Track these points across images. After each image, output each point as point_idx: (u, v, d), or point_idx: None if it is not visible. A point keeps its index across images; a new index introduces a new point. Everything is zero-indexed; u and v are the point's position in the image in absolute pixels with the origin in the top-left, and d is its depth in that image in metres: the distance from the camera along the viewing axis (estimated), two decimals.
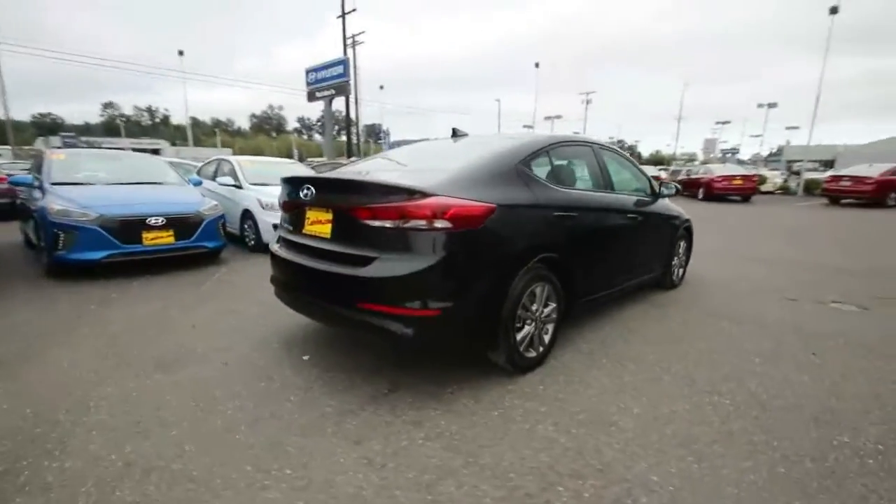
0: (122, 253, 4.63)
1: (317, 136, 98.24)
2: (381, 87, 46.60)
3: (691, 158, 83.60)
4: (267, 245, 6.26)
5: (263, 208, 6.33)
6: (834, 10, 17.66)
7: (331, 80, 24.50)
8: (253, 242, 6.54)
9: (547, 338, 2.79)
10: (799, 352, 3.05)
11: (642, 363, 2.84)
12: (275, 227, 6.19)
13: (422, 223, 2.13)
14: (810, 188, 19.66)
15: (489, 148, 2.77)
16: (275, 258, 2.87)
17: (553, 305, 2.78)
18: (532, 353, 2.67)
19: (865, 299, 4.27)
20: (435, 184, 2.22)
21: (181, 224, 5.04)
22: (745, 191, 16.80)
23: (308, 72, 25.29)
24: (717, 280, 5.03)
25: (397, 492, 1.69)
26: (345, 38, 27.73)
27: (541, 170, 2.82)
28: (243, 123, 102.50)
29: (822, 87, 19.83)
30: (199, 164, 9.12)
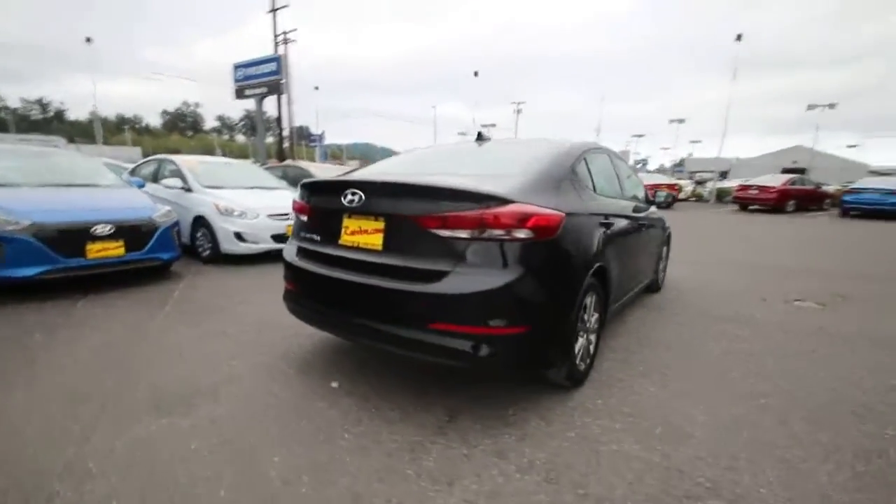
0: (62, 268, 3.87)
1: (240, 137, 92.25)
2: (317, 89, 44.75)
3: None
4: (225, 255, 5.76)
5: (222, 214, 5.69)
6: (739, 38, 20.02)
7: (262, 78, 23.22)
8: (208, 252, 5.85)
9: (591, 348, 2.72)
10: (799, 348, 3.27)
11: (677, 369, 2.87)
12: (237, 235, 5.64)
13: (501, 232, 1.95)
14: (721, 196, 22.02)
15: (538, 152, 2.66)
16: (297, 272, 2.52)
17: (596, 315, 2.72)
18: (582, 366, 2.59)
19: (819, 297, 4.74)
20: (509, 189, 2.05)
21: (132, 233, 4.34)
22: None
23: (237, 67, 23.72)
24: (686, 283, 5.33)
25: None
26: (275, 35, 26.31)
27: (582, 177, 2.75)
28: (153, 120, 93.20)
29: (720, 105, 22.31)
30: (130, 166, 8.05)
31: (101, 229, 4.06)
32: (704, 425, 2.22)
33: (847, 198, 15.45)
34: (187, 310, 3.84)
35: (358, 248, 2.27)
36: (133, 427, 2.06)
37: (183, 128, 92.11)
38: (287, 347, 3.03)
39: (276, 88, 23.49)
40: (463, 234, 1.97)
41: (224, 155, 47.83)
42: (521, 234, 1.96)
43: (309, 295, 2.53)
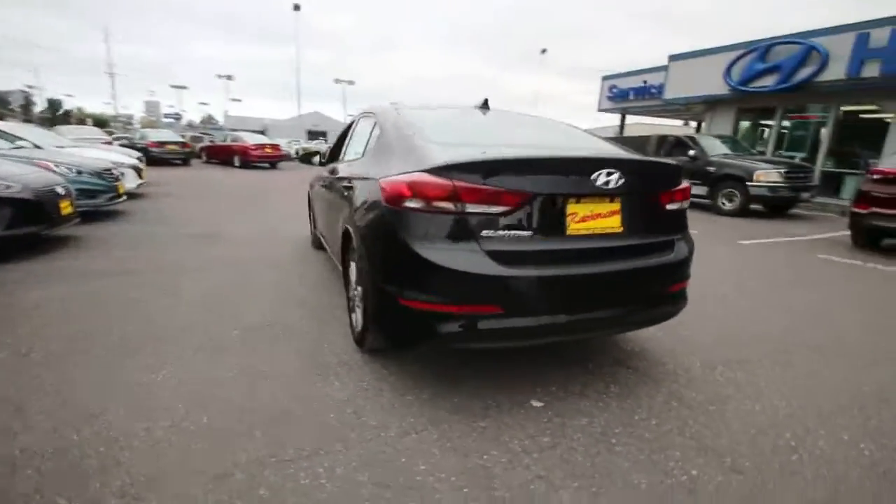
0: None
1: None
2: None
3: (129, 122, 76.04)
4: None
5: None
6: (297, 7, 21.77)
7: None
8: None
9: None
10: None
11: None
12: None
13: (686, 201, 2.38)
14: (307, 158, 24.38)
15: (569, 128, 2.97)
16: (508, 284, 1.82)
17: None
18: None
19: None
20: None
21: None
22: (274, 158, 18.68)
23: None
24: None
25: None
26: None
27: None
28: None
29: (258, 66, 24.27)
30: None
31: None
32: None
33: None
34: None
35: (593, 236, 2.00)
36: None
37: None
38: (406, 389, 1.99)
39: None
40: (679, 205, 2.26)
41: None
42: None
43: (529, 308, 1.87)
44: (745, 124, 14.66)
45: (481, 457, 1.74)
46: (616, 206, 2.05)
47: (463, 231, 1.84)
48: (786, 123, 13.32)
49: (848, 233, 6.93)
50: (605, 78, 19.04)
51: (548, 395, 2.20)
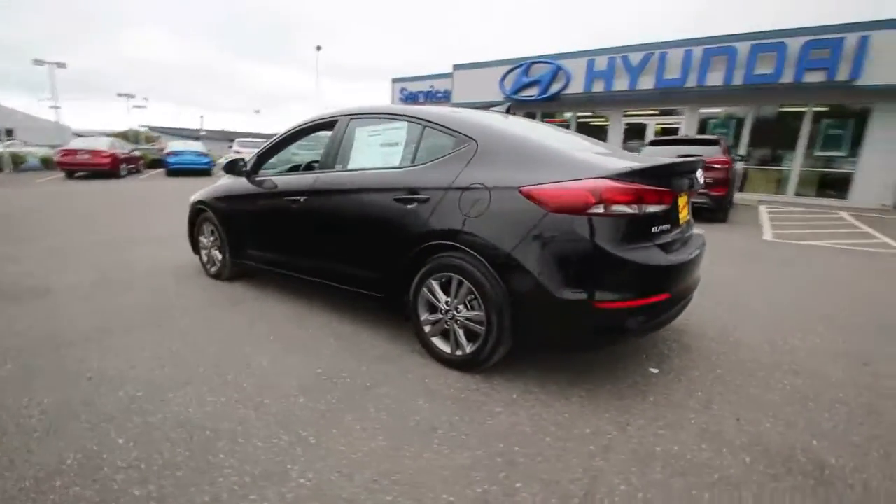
0: None
1: None
2: None
3: None
4: None
5: None
6: None
7: None
8: None
9: None
10: None
11: None
12: None
13: None
14: (17, 162, 17.35)
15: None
16: (671, 273, 2.12)
17: None
18: None
19: None
20: None
21: None
22: None
23: None
24: None
25: None
26: None
27: None
28: None
29: None
30: None
31: None
32: None
33: (170, 159, 17.58)
34: None
35: (685, 224, 2.45)
36: None
37: None
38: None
39: None
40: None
41: None
42: None
43: (681, 291, 2.19)
44: None
45: (690, 421, 1.99)
46: (687, 198, 2.56)
47: (643, 229, 2.02)
48: None
49: None
50: (395, 81, 20.09)
51: (651, 361, 2.57)
